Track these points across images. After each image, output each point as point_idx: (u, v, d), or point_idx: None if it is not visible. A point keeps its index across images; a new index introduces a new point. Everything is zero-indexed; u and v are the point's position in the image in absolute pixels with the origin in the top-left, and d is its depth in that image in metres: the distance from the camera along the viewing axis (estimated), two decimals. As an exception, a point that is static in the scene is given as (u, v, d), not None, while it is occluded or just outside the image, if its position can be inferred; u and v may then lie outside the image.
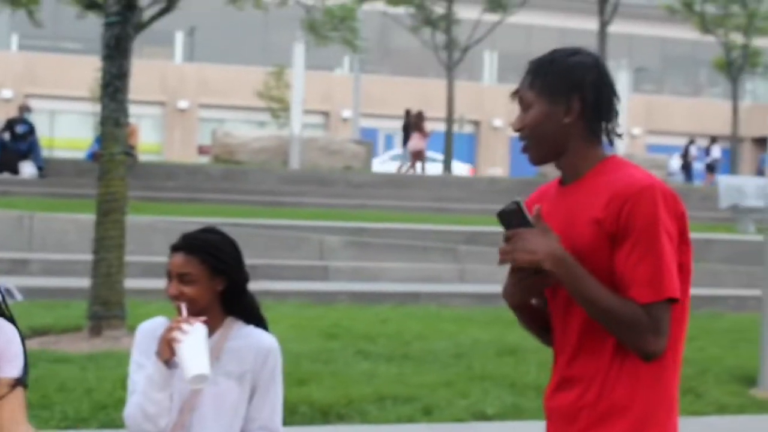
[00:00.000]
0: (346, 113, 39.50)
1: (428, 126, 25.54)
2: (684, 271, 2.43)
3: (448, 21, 28.76)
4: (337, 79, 41.97)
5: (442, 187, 21.51)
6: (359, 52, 25.21)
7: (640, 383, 2.41)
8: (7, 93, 38.07)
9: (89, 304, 8.47)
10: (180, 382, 2.85)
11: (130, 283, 9.09)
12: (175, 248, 2.94)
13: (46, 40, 37.92)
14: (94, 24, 12.01)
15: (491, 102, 40.88)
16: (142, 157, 23.50)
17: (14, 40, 40.20)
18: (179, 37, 41.60)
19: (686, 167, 32.10)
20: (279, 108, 34.37)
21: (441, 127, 28.68)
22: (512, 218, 2.39)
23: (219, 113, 40.39)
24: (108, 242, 8.44)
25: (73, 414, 6.06)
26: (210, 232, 3.01)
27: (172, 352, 2.80)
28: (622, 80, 24.95)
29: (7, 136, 19.02)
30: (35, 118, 21.42)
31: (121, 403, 5.91)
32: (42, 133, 23.57)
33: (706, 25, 32.20)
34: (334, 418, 6.44)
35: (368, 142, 25.81)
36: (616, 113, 2.52)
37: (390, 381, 7.23)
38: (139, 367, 2.94)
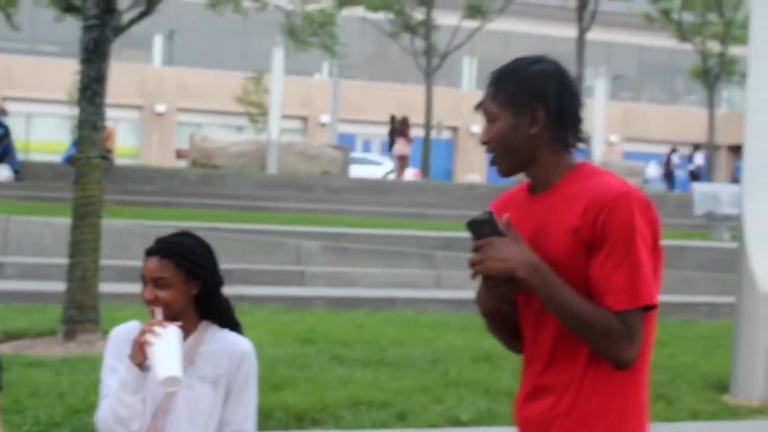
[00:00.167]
0: (325, 118, 39.50)
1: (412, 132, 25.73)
2: (656, 275, 2.43)
3: (427, 27, 28.84)
4: (315, 85, 41.97)
5: (419, 192, 21.54)
6: (338, 57, 25.27)
7: (614, 391, 2.40)
8: (-16, 95, 37.83)
9: (64, 308, 8.43)
10: (153, 386, 2.85)
11: (106, 287, 9.06)
12: (150, 252, 2.94)
13: (23, 43, 37.71)
14: (72, 27, 11.98)
15: (470, 108, 40.56)
16: (120, 160, 23.44)
17: (-9, 42, 39.97)
18: (158, 41, 41.49)
19: (669, 175, 32.27)
20: (257, 113, 34.32)
21: (419, 132, 28.72)
22: (483, 228, 2.37)
23: (197, 117, 40.29)
24: (84, 246, 8.41)
25: (45, 419, 6.02)
26: (184, 236, 3.01)
27: (145, 356, 2.80)
28: (599, 87, 25.09)
29: (-18, 138, 18.90)
30: (11, 121, 21.30)
31: (94, 407, 5.87)
32: (18, 136, 23.46)
33: (683, 33, 32.43)
34: (309, 423, 6.44)
35: (346, 147, 25.84)
36: (581, 120, 2.50)
37: (365, 386, 7.23)
38: (111, 371, 2.94)
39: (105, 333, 8.14)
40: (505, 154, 2.48)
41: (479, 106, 2.52)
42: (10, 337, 8.36)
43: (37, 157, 31.16)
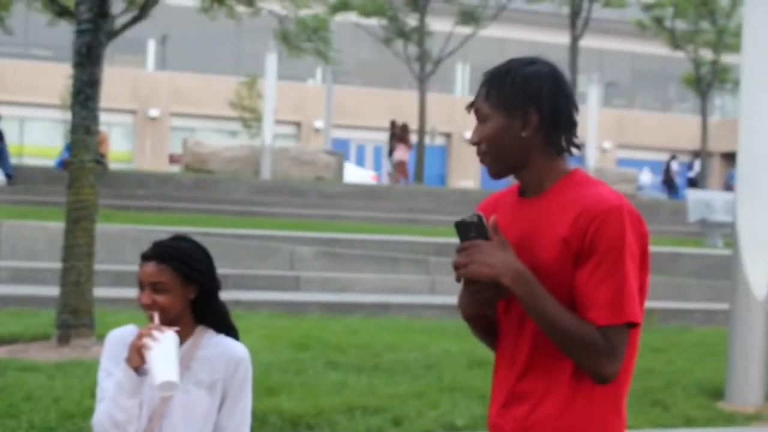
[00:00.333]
0: (318, 124, 39.50)
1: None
2: (641, 292, 2.38)
3: (420, 33, 28.86)
4: (309, 90, 41.97)
5: (413, 198, 21.55)
6: (332, 63, 25.24)
7: (594, 406, 2.36)
8: (-23, 100, 37.76)
9: (58, 312, 8.41)
10: (150, 390, 2.84)
11: (100, 291, 9.04)
12: (147, 257, 2.92)
13: (16, 47, 37.64)
14: (65, 31, 11.96)
15: (463, 114, 40.63)
16: (113, 165, 23.40)
17: (-16, 46, 39.92)
18: (151, 46, 41.46)
19: (668, 183, 32.29)
20: (251, 118, 34.31)
21: (413, 138, 28.73)
22: (471, 230, 2.34)
23: (190, 122, 40.25)
24: (77, 250, 8.39)
25: (40, 423, 6.01)
26: (182, 240, 3.00)
27: (142, 359, 2.79)
28: (592, 94, 25.13)
29: (-25, 143, 18.87)
30: (4, 125, 21.26)
31: (89, 412, 5.89)
32: (11, 140, 23.43)
33: (676, 41, 32.51)
34: (304, 428, 6.43)
35: (340, 152, 25.84)
36: (575, 124, 2.44)
37: (360, 392, 7.23)
38: (108, 374, 2.93)
39: (99, 338, 8.13)
40: (496, 156, 2.43)
41: (471, 106, 2.47)
42: (3, 341, 8.34)
43: (30, 161, 31.11)
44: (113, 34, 9.13)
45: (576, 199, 2.35)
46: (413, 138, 28.37)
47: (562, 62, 2.51)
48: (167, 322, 2.87)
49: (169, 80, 40.59)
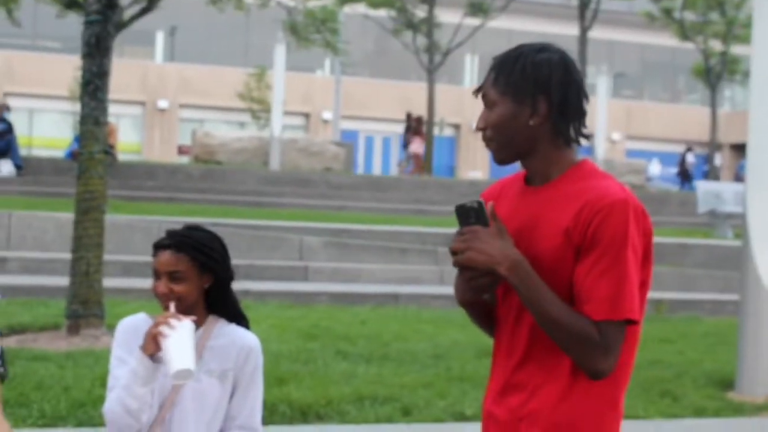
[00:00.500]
0: (327, 115, 39.50)
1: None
2: (643, 289, 2.33)
3: (429, 24, 28.82)
4: (318, 81, 41.96)
5: (421, 189, 21.54)
6: (340, 54, 25.25)
7: (591, 402, 2.31)
8: (-14, 91, 37.84)
9: (68, 302, 8.43)
10: (162, 378, 2.85)
11: (109, 282, 9.06)
12: (164, 246, 2.91)
13: (25, 39, 37.69)
14: (73, 23, 11.96)
15: (472, 105, 40.92)
16: (122, 156, 23.43)
17: (-7, 38, 39.98)
18: (160, 37, 41.47)
19: (683, 174, 32.20)
20: (259, 109, 34.32)
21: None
22: (470, 216, 2.30)
23: (199, 113, 40.28)
24: (87, 241, 8.40)
25: (50, 412, 6.03)
26: (197, 229, 2.99)
27: (158, 347, 2.79)
28: (601, 86, 25.07)
29: (-15, 134, 18.92)
30: (14, 117, 21.30)
31: (99, 401, 5.91)
32: (21, 131, 23.46)
33: (685, 32, 32.40)
34: (314, 418, 6.44)
35: (348, 143, 25.86)
36: (584, 113, 2.38)
37: (369, 381, 7.24)
38: (120, 362, 2.93)
39: (109, 327, 8.16)
40: (502, 143, 2.38)
41: (478, 91, 2.41)
42: (14, 331, 8.36)
43: (39, 152, 31.18)
44: (122, 25, 9.14)
45: (581, 191, 2.30)
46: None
47: (571, 53, 2.47)
48: (182, 311, 2.87)
49: (178, 71, 40.61)
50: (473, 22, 30.10)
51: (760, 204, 7.94)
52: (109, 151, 10.94)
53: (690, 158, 32.43)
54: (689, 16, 32.49)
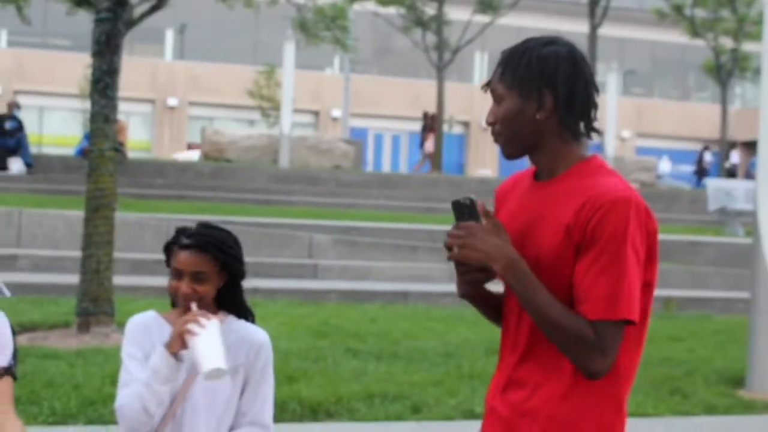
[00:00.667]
0: (336, 113, 39.50)
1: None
2: (648, 290, 2.30)
3: (438, 22, 28.78)
4: (327, 79, 41.98)
5: (431, 186, 21.53)
6: (350, 51, 25.25)
7: (593, 402, 2.29)
8: (-4, 89, 37.96)
9: (78, 300, 8.44)
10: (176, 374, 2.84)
11: (119, 279, 9.07)
12: (186, 246, 2.88)
13: (35, 37, 37.79)
14: (83, 21, 11.97)
15: (481, 103, 40.92)
16: (132, 154, 23.47)
17: (3, 36, 40.08)
18: (170, 35, 41.54)
19: (701, 173, 32.10)
20: (269, 107, 34.35)
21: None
22: (464, 212, 2.30)
23: (209, 111, 40.34)
24: (97, 239, 8.42)
25: (61, 410, 6.04)
26: (215, 228, 2.97)
27: (184, 345, 2.77)
28: (611, 83, 25.02)
29: (-5, 132, 18.98)
30: (24, 115, 21.36)
31: (109, 398, 5.91)
32: (31, 129, 23.52)
33: (695, 29, 32.30)
34: (323, 415, 6.44)
35: (358, 141, 25.85)
36: (594, 107, 2.34)
37: (379, 379, 7.23)
38: (131, 358, 2.91)
39: (119, 325, 8.17)
40: (509, 138, 2.35)
41: (486, 86, 2.40)
42: (24, 329, 8.38)
43: (49, 150, 31.25)
44: (132, 23, 9.14)
45: (585, 188, 2.27)
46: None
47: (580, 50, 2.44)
48: (201, 310, 2.86)
49: (188, 69, 40.68)
50: (483, 19, 30.06)
51: (771, 201, 7.90)
52: (119, 148, 10.96)
53: (707, 157, 32.31)
54: (700, 12, 32.39)
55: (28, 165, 18.82)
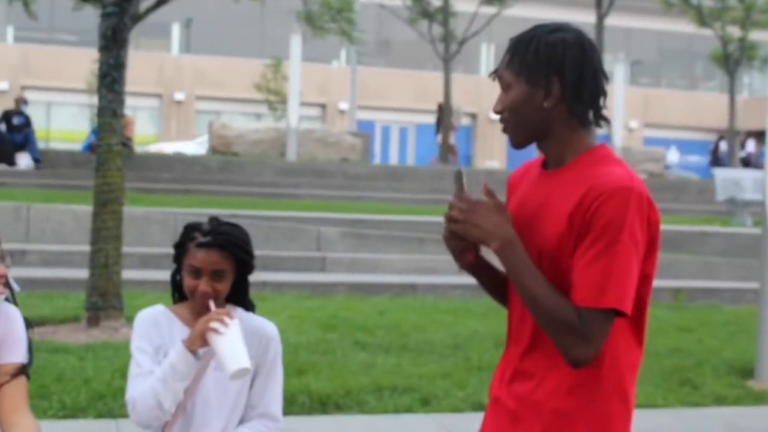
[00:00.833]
0: (343, 105, 39.47)
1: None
2: (647, 282, 2.27)
3: (445, 13, 28.72)
4: (334, 72, 41.94)
5: (438, 178, 21.50)
6: (356, 44, 25.19)
7: (598, 394, 2.27)
8: (3, 85, 37.99)
9: (87, 294, 8.46)
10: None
11: (128, 274, 9.09)
12: (205, 245, 2.85)
13: (42, 32, 37.82)
14: (90, 16, 11.97)
15: (488, 94, 40.83)
16: (139, 148, 23.49)
17: (10, 31, 40.12)
18: (176, 29, 41.54)
19: (716, 163, 32.00)
20: (276, 100, 34.33)
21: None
22: (458, 182, 2.35)
23: (216, 105, 40.35)
24: (105, 233, 8.43)
25: (71, 403, 6.06)
26: (228, 224, 2.96)
27: (205, 343, 2.77)
28: (619, 73, 24.98)
29: (3, 127, 19.03)
30: (31, 110, 21.39)
31: (119, 392, 5.93)
32: (38, 125, 23.54)
33: (703, 18, 32.17)
34: (333, 408, 6.45)
35: (365, 134, 25.84)
36: (603, 94, 2.31)
37: (388, 372, 7.24)
38: (141, 351, 2.90)
39: (128, 319, 8.19)
40: (517, 126, 2.33)
41: (494, 74, 2.38)
42: (34, 323, 8.38)
43: (57, 145, 31.30)
44: (138, 17, 9.14)
45: (588, 176, 2.24)
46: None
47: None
48: (217, 306, 2.86)
49: (194, 63, 40.68)
50: (489, 10, 29.99)
51: (780, 191, 7.87)
52: (126, 143, 10.97)
53: (723, 146, 32.18)
54: (707, 2, 32.26)
55: (36, 160, 18.86)
